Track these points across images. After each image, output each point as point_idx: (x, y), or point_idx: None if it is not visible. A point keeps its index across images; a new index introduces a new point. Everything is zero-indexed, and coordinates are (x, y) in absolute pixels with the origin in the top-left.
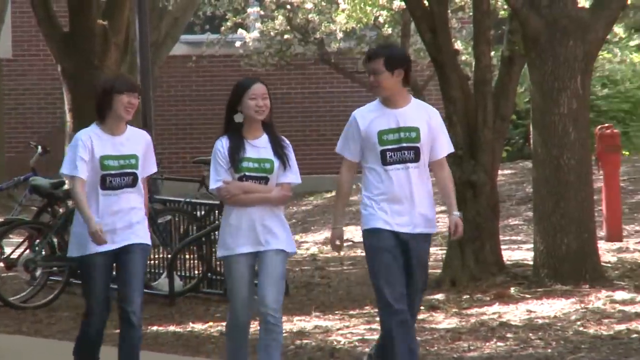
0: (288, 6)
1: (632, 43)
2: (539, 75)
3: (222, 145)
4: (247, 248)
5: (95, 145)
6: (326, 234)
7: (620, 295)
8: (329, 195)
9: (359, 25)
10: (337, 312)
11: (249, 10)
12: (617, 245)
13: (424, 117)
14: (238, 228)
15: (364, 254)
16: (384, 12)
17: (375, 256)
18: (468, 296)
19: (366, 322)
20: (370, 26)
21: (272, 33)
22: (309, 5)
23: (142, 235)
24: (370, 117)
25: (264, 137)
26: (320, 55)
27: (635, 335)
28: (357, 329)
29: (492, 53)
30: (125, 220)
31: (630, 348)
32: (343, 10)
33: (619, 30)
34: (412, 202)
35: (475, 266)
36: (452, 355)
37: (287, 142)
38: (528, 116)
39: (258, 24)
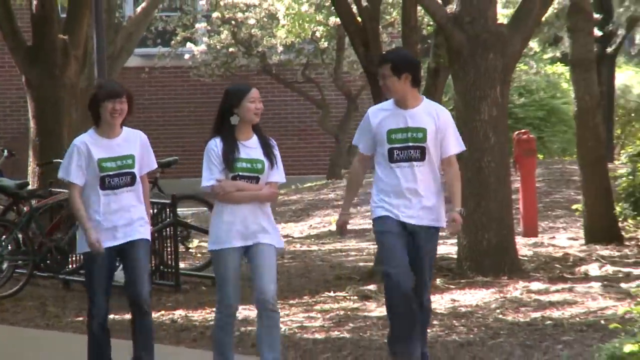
0: (233, 22)
1: (546, 56)
2: (462, 86)
3: (216, 145)
4: (238, 242)
5: (91, 150)
6: None
7: (535, 285)
8: None
9: (297, 40)
10: (279, 301)
11: (197, 25)
12: (533, 240)
13: (432, 118)
14: (230, 224)
15: (303, 248)
16: (321, 28)
17: (382, 241)
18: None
19: (305, 310)
20: (307, 40)
21: (218, 46)
22: (251, 21)
23: (142, 231)
24: (381, 116)
25: (254, 138)
26: (263, 67)
27: (549, 322)
28: (296, 317)
29: (421, 64)
30: (125, 218)
31: (545, 333)
32: (283, 26)
33: (534, 44)
34: (418, 198)
35: None
36: (384, 340)
37: (274, 142)
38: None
39: (205, 38)
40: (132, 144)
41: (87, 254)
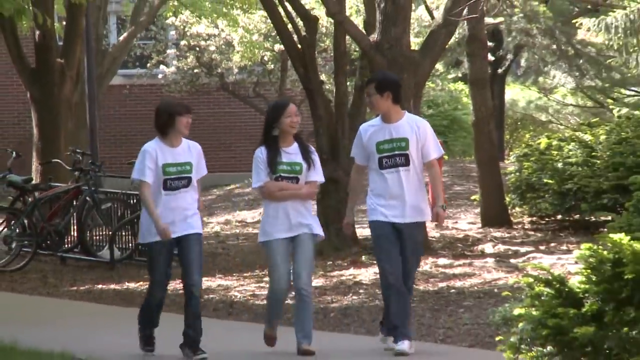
0: (197, 48)
1: (449, 76)
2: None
3: (262, 152)
4: (283, 234)
5: (158, 156)
6: (227, 216)
7: (442, 261)
8: (228, 187)
9: (249, 62)
10: (234, 274)
11: (168, 51)
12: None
13: (413, 129)
14: (275, 218)
15: (254, 231)
16: (268, 53)
17: (376, 241)
18: (331, 262)
19: (256, 281)
20: (257, 63)
21: (185, 68)
22: (212, 48)
23: (196, 226)
24: (370, 131)
25: (295, 145)
26: (221, 85)
27: (453, 290)
28: (249, 286)
29: (348, 83)
30: (182, 215)
31: (449, 300)
32: (238, 52)
33: (439, 66)
34: (403, 198)
35: (336, 240)
36: (320, 306)
37: (313, 148)
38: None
39: (175, 62)
40: (191, 153)
41: (149, 244)
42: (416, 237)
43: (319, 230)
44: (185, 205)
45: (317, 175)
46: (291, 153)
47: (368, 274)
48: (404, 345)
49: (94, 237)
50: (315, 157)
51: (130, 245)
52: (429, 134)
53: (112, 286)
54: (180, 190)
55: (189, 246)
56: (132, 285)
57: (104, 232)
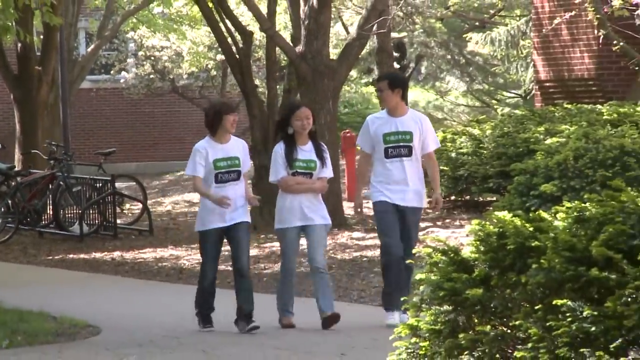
0: (152, 58)
1: (362, 81)
2: (307, 100)
3: (280, 148)
4: (297, 222)
5: (209, 152)
6: (176, 198)
7: (356, 234)
8: (178, 174)
9: (196, 69)
10: (184, 245)
11: (128, 60)
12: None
13: (416, 123)
14: (291, 208)
15: None
16: (211, 62)
17: (380, 219)
18: (264, 236)
19: None
20: (203, 70)
21: (142, 74)
22: (165, 57)
23: (244, 215)
24: (378, 122)
25: (310, 144)
26: (172, 88)
27: (365, 259)
28: (195, 256)
29: (278, 87)
30: (232, 205)
31: (362, 267)
32: (186, 60)
33: (354, 72)
34: (406, 184)
35: (269, 217)
36: (254, 272)
37: (325, 147)
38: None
39: (134, 69)
40: (238, 148)
41: (202, 232)
42: (416, 220)
43: (328, 221)
44: (234, 197)
45: (328, 171)
46: (306, 151)
47: None
48: (394, 318)
49: (67, 215)
50: (327, 155)
51: (96, 221)
52: (430, 128)
53: (82, 256)
54: (230, 183)
55: (238, 234)
56: (98, 255)
57: (75, 211)
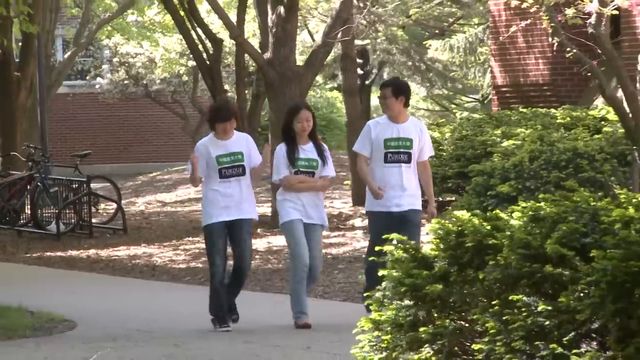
0: (126, 64)
1: (327, 86)
2: (274, 105)
3: (282, 149)
4: (300, 217)
5: (210, 149)
6: (149, 198)
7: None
8: (150, 175)
9: (168, 75)
10: (156, 244)
11: (104, 66)
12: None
13: (416, 131)
14: (294, 204)
15: (172, 209)
16: (183, 67)
17: (372, 229)
18: None
19: (173, 249)
20: (175, 75)
21: (117, 80)
22: (139, 64)
23: (248, 211)
24: (380, 127)
25: (310, 144)
26: (146, 93)
27: (329, 256)
28: (168, 254)
29: (246, 91)
30: (236, 201)
31: (327, 263)
32: (159, 66)
33: (319, 78)
34: (402, 190)
35: None
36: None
37: (326, 147)
38: (267, 128)
39: (109, 75)
40: (241, 143)
41: (207, 227)
42: (416, 220)
43: (325, 221)
44: (239, 192)
45: (330, 170)
46: (308, 150)
47: (262, 243)
48: None
49: (44, 214)
50: (328, 155)
51: (72, 220)
52: (428, 137)
53: (58, 253)
54: (235, 178)
55: (240, 230)
56: (74, 252)
57: (52, 211)
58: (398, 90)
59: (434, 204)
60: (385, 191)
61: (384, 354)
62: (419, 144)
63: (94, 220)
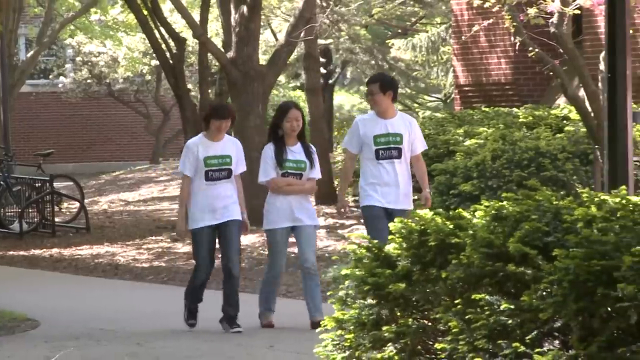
0: (89, 63)
1: (290, 85)
2: (238, 104)
3: (270, 150)
4: (286, 224)
5: (199, 150)
6: (112, 197)
7: None
8: (114, 174)
9: (131, 74)
10: (119, 242)
11: (66, 65)
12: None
13: (406, 126)
14: (280, 209)
15: (135, 208)
16: (146, 67)
17: (371, 223)
18: None
19: (136, 248)
20: (138, 74)
21: (80, 79)
22: (102, 63)
23: (235, 214)
24: (368, 124)
25: (299, 145)
26: (109, 92)
27: (293, 255)
28: (131, 253)
29: (210, 90)
30: (222, 203)
31: (290, 262)
32: (122, 66)
33: (282, 77)
34: (397, 186)
35: None
36: (186, 268)
37: (314, 148)
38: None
39: (72, 74)
40: (230, 147)
41: (195, 230)
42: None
43: (317, 222)
44: (225, 195)
45: (317, 172)
46: (296, 152)
47: None
48: None
49: (7, 213)
50: (315, 157)
51: (35, 219)
52: (419, 130)
53: (21, 252)
54: (221, 181)
55: (228, 232)
56: (37, 251)
57: (15, 209)
58: (385, 85)
59: (427, 189)
60: (380, 187)
61: (347, 352)
62: (409, 138)
63: (56, 219)
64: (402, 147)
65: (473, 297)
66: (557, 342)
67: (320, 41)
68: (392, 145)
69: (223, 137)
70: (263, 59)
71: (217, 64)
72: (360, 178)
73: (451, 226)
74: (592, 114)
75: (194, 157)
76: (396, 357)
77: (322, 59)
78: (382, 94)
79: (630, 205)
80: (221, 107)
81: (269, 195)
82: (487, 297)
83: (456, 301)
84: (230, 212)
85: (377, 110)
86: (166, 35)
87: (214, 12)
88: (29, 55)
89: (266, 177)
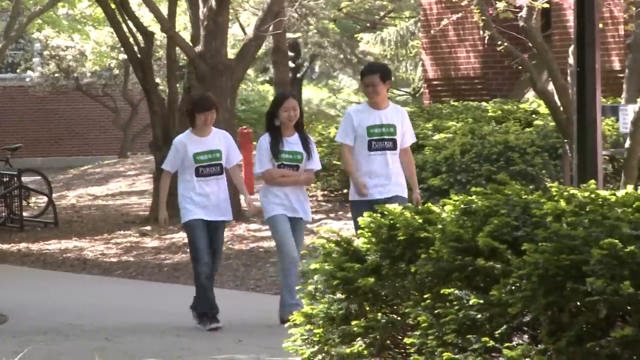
0: (57, 57)
1: (259, 79)
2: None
3: (265, 140)
4: (284, 212)
5: (188, 146)
6: (80, 191)
7: (253, 226)
8: (82, 168)
9: (99, 68)
10: (87, 237)
11: (34, 59)
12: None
13: (399, 117)
14: (277, 198)
15: (103, 202)
16: (114, 61)
17: (356, 215)
18: (164, 228)
19: (104, 243)
20: (106, 68)
21: (47, 73)
22: (69, 57)
23: (226, 213)
24: (361, 115)
25: (296, 135)
26: (77, 86)
27: (261, 249)
28: (99, 247)
29: (178, 85)
30: (214, 201)
31: (259, 257)
32: (90, 60)
33: (251, 71)
34: (388, 178)
35: (169, 210)
36: (155, 262)
37: (311, 138)
38: None
39: (39, 68)
40: (220, 141)
41: (188, 225)
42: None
43: (308, 216)
44: (217, 192)
45: (315, 163)
46: (292, 143)
47: None
48: None
49: None
50: (313, 147)
51: (3, 214)
52: (409, 123)
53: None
54: (212, 177)
55: (217, 231)
56: (5, 246)
57: None
58: (385, 75)
59: (418, 190)
60: (370, 179)
61: (316, 347)
62: (402, 129)
63: (24, 214)
64: (396, 138)
65: (442, 291)
66: (526, 336)
67: (289, 35)
68: (385, 137)
69: (211, 131)
70: (231, 53)
71: (185, 58)
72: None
73: (420, 220)
74: (561, 108)
75: (180, 155)
76: (365, 352)
77: (290, 53)
78: (382, 83)
79: (600, 200)
80: (203, 99)
81: (263, 187)
82: (456, 291)
83: (425, 296)
84: (220, 211)
85: (374, 100)
86: (134, 29)
87: (182, 5)
88: None
89: (261, 169)
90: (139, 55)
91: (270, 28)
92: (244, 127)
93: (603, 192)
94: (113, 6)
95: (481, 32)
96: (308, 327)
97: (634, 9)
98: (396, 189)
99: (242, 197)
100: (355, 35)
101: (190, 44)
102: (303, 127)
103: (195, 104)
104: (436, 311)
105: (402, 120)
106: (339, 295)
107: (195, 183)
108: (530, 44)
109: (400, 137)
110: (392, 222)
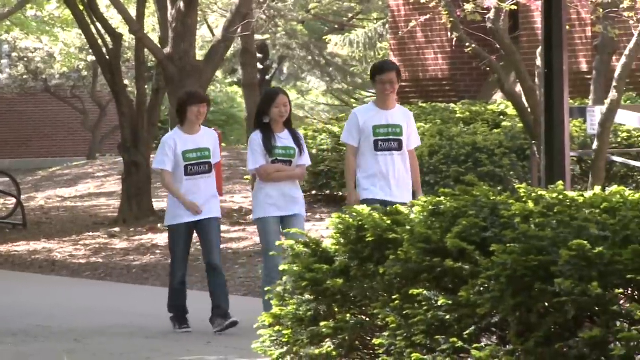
0: (26, 59)
1: (227, 81)
2: (174, 100)
3: (258, 137)
4: (276, 212)
5: (177, 144)
6: (49, 193)
7: (222, 227)
8: (50, 170)
9: (67, 70)
10: (56, 239)
11: (2, 61)
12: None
13: (405, 118)
14: (271, 197)
15: (72, 204)
16: (83, 62)
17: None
18: (133, 229)
19: (73, 244)
20: (74, 70)
21: (16, 74)
22: (38, 59)
23: (215, 210)
24: (367, 115)
25: (286, 131)
26: (45, 88)
27: (230, 251)
28: (68, 249)
29: (146, 87)
30: (203, 199)
31: (227, 258)
32: (58, 61)
33: (219, 73)
34: (394, 178)
35: (137, 211)
36: (124, 264)
37: (301, 134)
38: (167, 123)
39: (8, 70)
40: (208, 139)
41: (172, 227)
42: None
43: (304, 212)
44: (206, 190)
45: (306, 159)
46: (284, 138)
47: (163, 238)
48: None
49: None
50: (304, 142)
51: None
52: (414, 124)
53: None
54: (201, 175)
55: (210, 229)
56: None
57: None
58: (399, 73)
59: (421, 193)
60: (377, 180)
61: (285, 348)
62: (408, 130)
63: None
64: (402, 139)
65: (411, 292)
66: (494, 337)
67: (257, 37)
68: (391, 137)
69: (200, 129)
70: (200, 55)
71: (154, 59)
72: (358, 172)
73: (389, 222)
74: (529, 110)
75: (172, 152)
76: (334, 353)
77: (259, 55)
78: (397, 82)
79: (567, 201)
80: (196, 92)
81: (257, 184)
82: (424, 292)
83: (394, 297)
84: (209, 209)
85: (384, 100)
86: (102, 31)
87: (151, 7)
88: None
89: (255, 165)
90: (107, 57)
91: (239, 30)
92: (214, 127)
93: (571, 193)
94: (81, 8)
95: (449, 34)
96: (277, 328)
97: (601, 10)
98: (402, 193)
99: None
100: (324, 37)
101: (159, 45)
102: (292, 124)
103: (189, 95)
104: (405, 312)
105: (409, 122)
106: (307, 297)
107: (184, 182)
108: (498, 46)
109: (406, 138)
110: (360, 223)
